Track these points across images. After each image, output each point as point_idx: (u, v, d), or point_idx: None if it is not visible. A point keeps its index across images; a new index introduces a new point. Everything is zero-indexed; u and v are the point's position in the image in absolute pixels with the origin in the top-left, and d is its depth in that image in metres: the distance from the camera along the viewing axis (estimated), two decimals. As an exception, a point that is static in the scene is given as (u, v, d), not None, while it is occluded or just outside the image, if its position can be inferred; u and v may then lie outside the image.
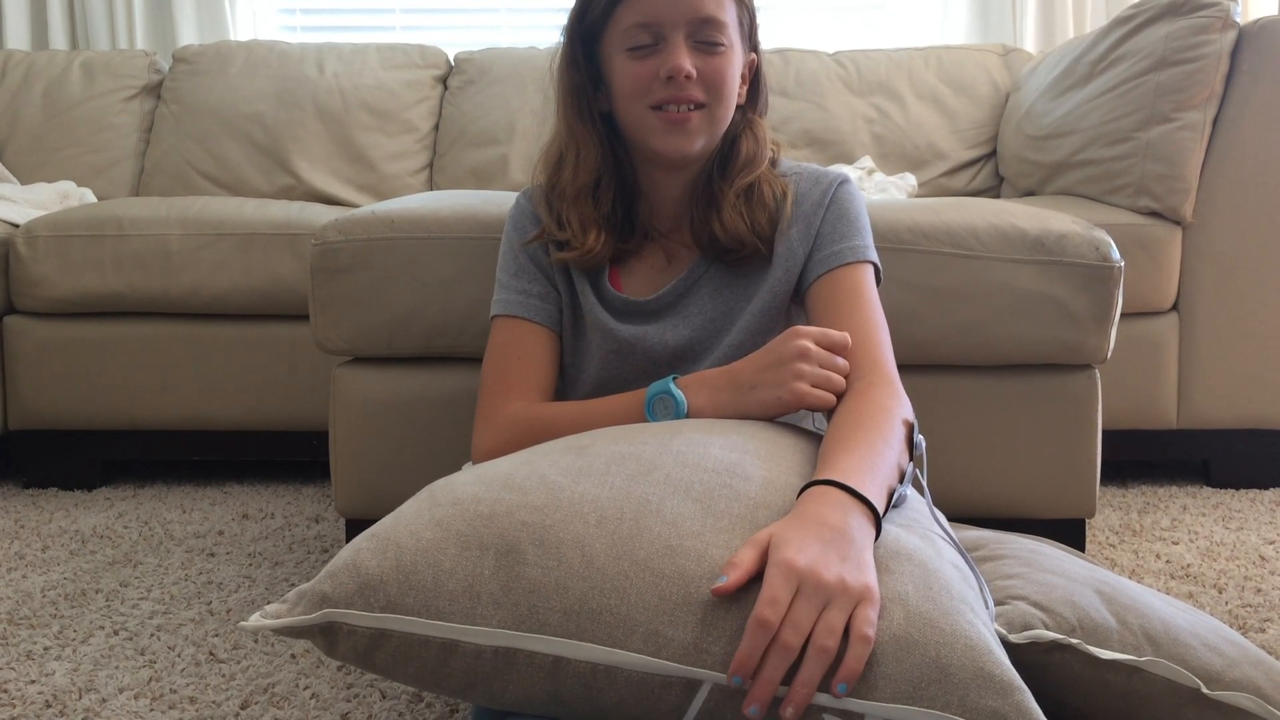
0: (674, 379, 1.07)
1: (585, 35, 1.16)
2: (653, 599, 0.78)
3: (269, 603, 1.47)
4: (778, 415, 1.05)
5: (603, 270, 1.19)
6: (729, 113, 1.15)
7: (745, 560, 0.77)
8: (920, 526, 0.92)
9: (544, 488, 0.87)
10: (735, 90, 1.15)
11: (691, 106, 1.11)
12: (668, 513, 0.84)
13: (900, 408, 1.00)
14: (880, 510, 0.84)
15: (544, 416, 1.11)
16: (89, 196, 2.55)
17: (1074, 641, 0.91)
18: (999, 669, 0.76)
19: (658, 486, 0.86)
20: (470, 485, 0.89)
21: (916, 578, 0.81)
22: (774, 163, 1.21)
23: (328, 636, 0.81)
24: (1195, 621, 1.05)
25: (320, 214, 2.14)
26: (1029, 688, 0.77)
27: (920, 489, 0.97)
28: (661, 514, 0.83)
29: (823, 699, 0.75)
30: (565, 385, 1.22)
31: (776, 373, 1.02)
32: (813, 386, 1.02)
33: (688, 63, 1.09)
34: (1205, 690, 0.97)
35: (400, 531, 0.84)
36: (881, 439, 0.93)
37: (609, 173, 1.17)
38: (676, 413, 1.05)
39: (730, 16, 1.13)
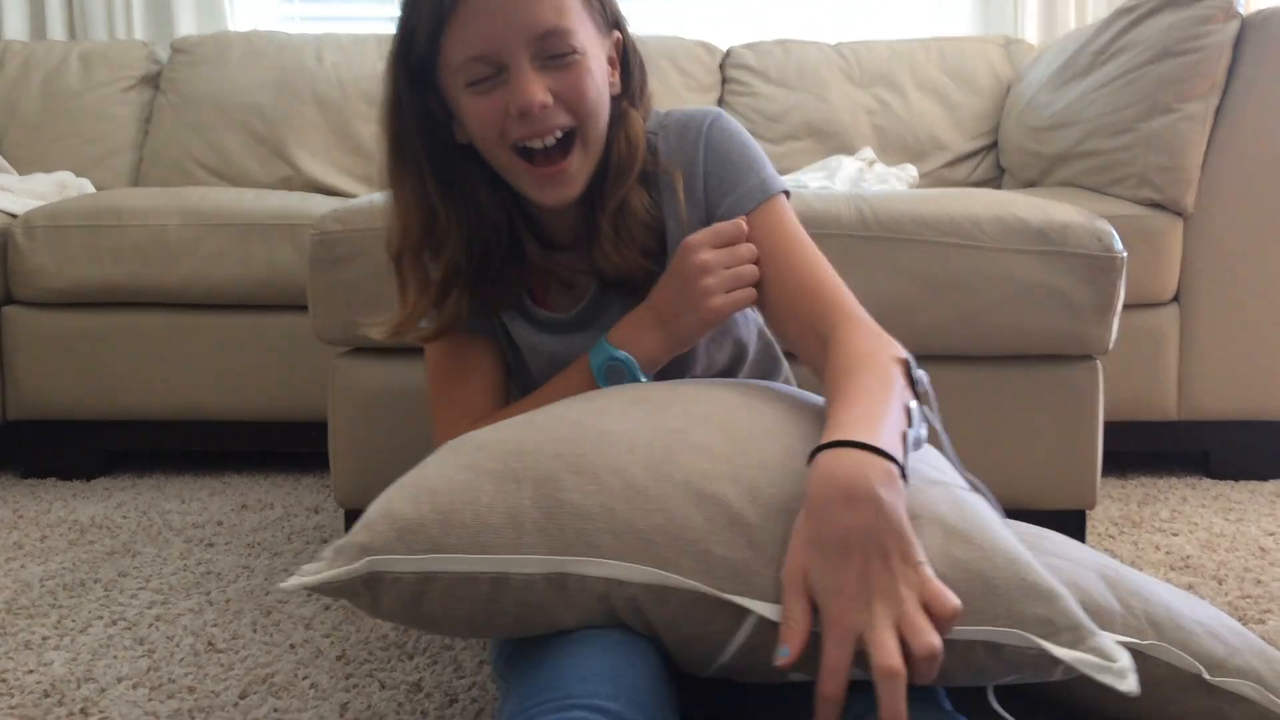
0: (606, 339, 1.03)
1: (418, 69, 0.99)
2: (698, 520, 0.78)
3: (268, 593, 1.47)
4: (707, 333, 1.03)
5: (521, 293, 1.09)
6: (604, 123, 1.00)
7: (798, 619, 0.73)
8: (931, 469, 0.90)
9: (567, 424, 0.86)
10: (605, 96, 1.00)
11: (558, 136, 0.96)
12: (695, 439, 0.83)
13: (883, 346, 0.90)
14: (900, 460, 0.77)
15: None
16: (87, 187, 2.54)
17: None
18: (1040, 577, 0.76)
19: (679, 420, 0.86)
20: (489, 433, 0.88)
21: (946, 499, 0.81)
22: (651, 149, 1.05)
23: (371, 589, 0.79)
24: (1198, 609, 1.05)
25: (319, 204, 2.13)
26: None
27: (934, 428, 0.89)
28: (689, 441, 0.83)
29: None
30: (519, 392, 1.15)
31: (688, 295, 0.99)
32: (727, 292, 0.99)
33: (539, 91, 0.94)
34: (1207, 676, 0.97)
35: (430, 477, 0.84)
36: (878, 383, 0.85)
37: (447, 221, 1.02)
38: (632, 375, 1.02)
39: (575, 15, 0.96)
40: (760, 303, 1.02)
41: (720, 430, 0.85)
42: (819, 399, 0.98)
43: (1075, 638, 0.75)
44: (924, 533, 0.78)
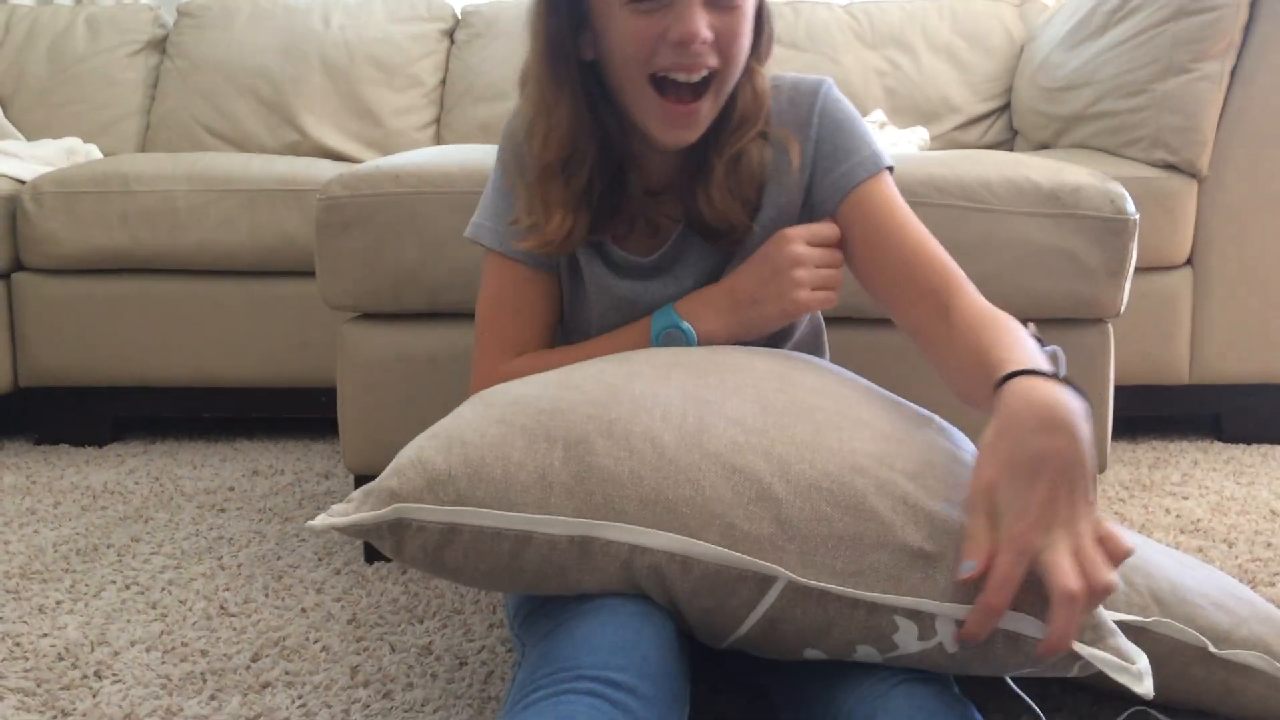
0: (673, 307, 1.04)
1: None
2: (726, 493, 0.78)
3: (279, 558, 1.48)
4: (784, 324, 1.05)
5: (616, 221, 1.08)
6: (739, 74, 1.00)
7: (983, 535, 0.73)
8: None
9: (601, 386, 0.86)
10: (747, 49, 0.99)
11: (703, 74, 0.95)
12: (729, 411, 0.83)
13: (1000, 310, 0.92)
14: (1085, 398, 0.77)
15: (541, 367, 1.02)
16: (95, 153, 2.54)
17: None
18: None
19: (713, 389, 0.86)
20: (524, 387, 0.88)
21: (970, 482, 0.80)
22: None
23: (396, 535, 0.81)
24: (1204, 579, 1.05)
25: (326, 169, 2.12)
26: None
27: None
28: (723, 412, 0.83)
29: (894, 599, 0.76)
30: (565, 331, 1.16)
31: (776, 284, 1.00)
32: (813, 290, 1.00)
33: (704, 25, 0.92)
34: (1213, 649, 0.97)
35: (463, 429, 0.84)
36: (1022, 335, 0.86)
37: (587, 141, 1.01)
38: (687, 344, 1.02)
39: None
40: (872, 272, 1.02)
41: (755, 403, 0.84)
42: (854, 375, 0.98)
43: (1096, 636, 0.75)
44: (953, 516, 0.78)
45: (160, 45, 2.80)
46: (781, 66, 1.10)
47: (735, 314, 1.03)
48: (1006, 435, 0.74)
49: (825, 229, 1.03)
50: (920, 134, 2.38)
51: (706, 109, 0.98)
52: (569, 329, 1.15)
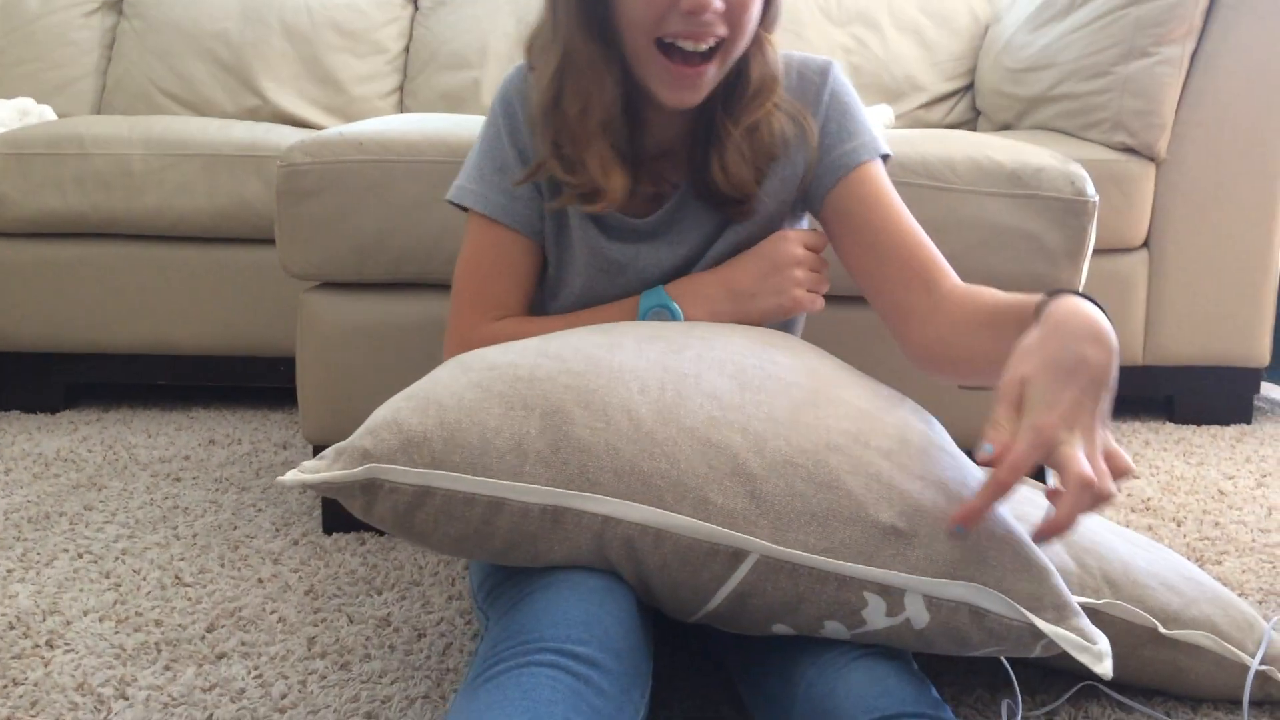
0: (664, 288, 1.05)
1: None
2: (701, 467, 0.79)
3: (236, 528, 1.47)
4: (776, 321, 1.06)
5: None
6: (746, 44, 0.99)
7: (1007, 421, 0.75)
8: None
9: (581, 356, 0.86)
10: (757, 19, 0.99)
11: (710, 44, 0.95)
12: (707, 386, 0.83)
13: None
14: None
15: (521, 333, 1.02)
16: (49, 114, 2.48)
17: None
18: (1033, 554, 0.78)
19: (692, 363, 0.86)
20: (503, 353, 0.88)
21: (950, 466, 0.82)
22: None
23: (367, 495, 0.80)
24: (1155, 560, 1.07)
25: (287, 135, 2.09)
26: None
27: None
28: (701, 387, 0.83)
29: (863, 572, 0.77)
30: (545, 295, 1.14)
31: (775, 280, 1.03)
32: (808, 291, 1.04)
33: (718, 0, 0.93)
34: (1162, 630, 0.99)
35: (440, 392, 0.84)
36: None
37: (615, 101, 1.00)
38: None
39: None
40: (862, 249, 1.04)
41: (732, 379, 0.85)
42: (827, 353, 0.99)
43: (1060, 616, 0.77)
44: (926, 494, 0.79)
45: (117, 5, 2.74)
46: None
47: (730, 305, 1.04)
48: (1053, 337, 0.77)
49: (817, 237, 1.07)
50: (885, 112, 2.38)
51: (712, 73, 0.98)
52: (551, 293, 1.14)
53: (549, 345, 0.89)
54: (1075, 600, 0.78)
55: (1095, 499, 0.71)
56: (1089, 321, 0.77)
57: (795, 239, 1.05)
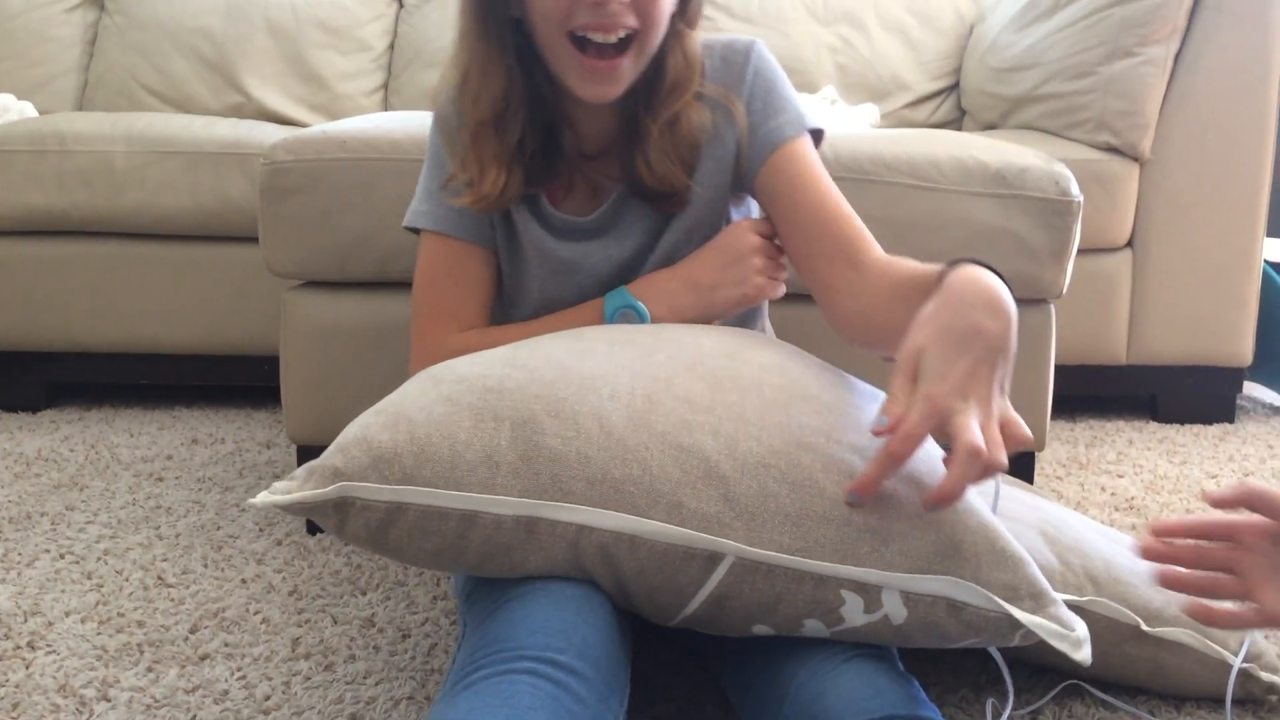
0: (626, 288, 1.05)
1: None
2: (674, 471, 0.78)
3: (219, 528, 1.46)
4: (740, 311, 1.07)
5: (552, 178, 1.08)
6: (661, 36, 1.00)
7: (902, 393, 0.76)
8: None
9: (550, 365, 0.86)
10: (668, 11, 0.99)
11: (620, 35, 0.95)
12: (678, 388, 0.83)
13: None
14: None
15: (487, 344, 1.02)
16: (30, 110, 2.46)
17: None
18: (1008, 545, 0.79)
19: (663, 367, 0.86)
20: (471, 365, 0.88)
21: (923, 459, 0.82)
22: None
23: (340, 513, 0.80)
24: (1136, 558, 1.07)
25: (270, 133, 2.08)
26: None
27: None
28: (672, 390, 0.83)
29: (839, 570, 0.77)
30: (504, 306, 1.15)
31: (736, 270, 1.04)
32: (767, 277, 1.05)
33: None
34: (1144, 627, 0.99)
35: (409, 406, 0.83)
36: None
37: (519, 98, 1.01)
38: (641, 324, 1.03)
39: None
40: (791, 226, 1.05)
41: (703, 380, 0.84)
42: (800, 351, 0.99)
43: (1037, 604, 0.77)
44: (900, 489, 0.79)
45: (99, 1, 2.72)
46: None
47: (693, 299, 1.04)
48: (947, 307, 0.78)
49: (768, 223, 1.07)
50: (871, 112, 2.38)
51: (627, 66, 0.98)
52: (510, 301, 1.14)
53: (518, 354, 0.88)
54: (1052, 589, 0.78)
55: (985, 468, 0.72)
56: (985, 290, 0.78)
57: (749, 228, 1.06)
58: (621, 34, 0.95)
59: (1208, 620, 0.70)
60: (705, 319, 1.05)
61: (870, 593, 0.77)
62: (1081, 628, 0.76)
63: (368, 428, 0.82)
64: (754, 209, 1.15)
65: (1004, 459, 0.73)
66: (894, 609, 0.78)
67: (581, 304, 1.07)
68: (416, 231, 1.11)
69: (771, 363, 0.90)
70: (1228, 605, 0.70)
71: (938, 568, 0.77)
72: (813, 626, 0.80)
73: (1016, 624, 0.77)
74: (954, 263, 0.83)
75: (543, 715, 0.68)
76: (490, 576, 0.84)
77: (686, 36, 1.04)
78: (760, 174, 1.06)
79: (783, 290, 1.08)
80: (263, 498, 0.80)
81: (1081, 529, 1.10)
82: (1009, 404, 0.77)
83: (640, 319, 1.03)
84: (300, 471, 0.82)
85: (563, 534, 0.78)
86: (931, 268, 0.87)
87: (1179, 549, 0.77)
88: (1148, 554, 0.80)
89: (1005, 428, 0.75)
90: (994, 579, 0.77)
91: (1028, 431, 0.76)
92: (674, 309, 1.04)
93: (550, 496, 0.78)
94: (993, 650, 0.86)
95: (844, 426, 0.83)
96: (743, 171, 1.08)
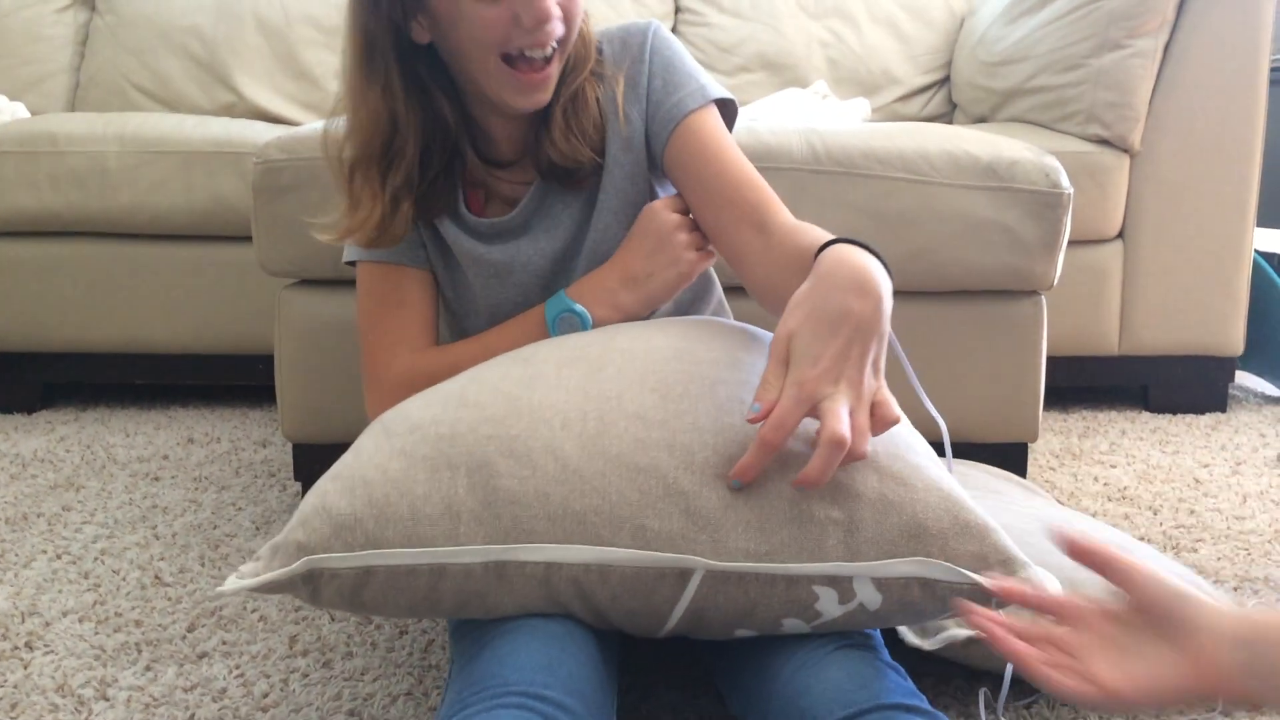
0: (565, 293, 1.05)
1: None
2: (633, 495, 0.79)
3: (216, 527, 1.46)
4: (679, 291, 1.06)
5: (456, 197, 1.08)
6: (577, 34, 1.02)
7: (775, 379, 0.77)
8: None
9: (500, 399, 0.86)
10: (583, 7, 1.02)
11: (554, 45, 0.97)
12: (629, 406, 0.83)
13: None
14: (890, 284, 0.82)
15: (439, 363, 1.04)
16: (21, 111, 2.46)
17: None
18: (973, 515, 0.79)
19: (612, 382, 0.86)
20: (424, 409, 0.88)
21: (880, 442, 0.82)
22: (598, 51, 1.08)
23: (310, 584, 0.80)
24: None
25: (263, 132, 2.08)
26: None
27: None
28: (623, 408, 0.83)
29: (808, 568, 0.77)
30: (455, 319, 1.15)
31: (665, 253, 1.04)
32: (696, 250, 1.05)
33: (554, 7, 0.95)
34: None
35: (364, 467, 0.83)
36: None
37: (413, 128, 1.01)
38: (583, 328, 1.03)
39: None
40: (699, 197, 1.05)
41: (654, 391, 0.84)
42: (755, 329, 0.99)
43: (1008, 570, 0.77)
44: (857, 477, 0.79)
45: (89, 1, 2.72)
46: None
47: (631, 292, 1.04)
48: (816, 290, 0.79)
49: (680, 200, 1.07)
50: (862, 106, 2.39)
51: (555, 71, 1.00)
52: (459, 314, 1.15)
53: (468, 391, 0.88)
54: (1020, 553, 0.79)
55: (848, 457, 0.74)
56: (854, 271, 0.79)
57: (664, 206, 1.05)
58: (554, 44, 0.97)
59: (1051, 690, 0.69)
60: (647, 308, 1.05)
61: (842, 584, 0.78)
62: (1054, 584, 0.77)
63: (325, 495, 0.82)
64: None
65: (866, 448, 0.74)
66: (868, 596, 0.78)
67: (524, 313, 1.07)
68: (353, 264, 1.12)
69: (723, 355, 0.90)
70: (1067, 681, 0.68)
71: (905, 550, 0.77)
72: (792, 625, 0.80)
73: (990, 592, 0.77)
74: (830, 243, 0.83)
75: None
76: (472, 618, 0.85)
77: (585, 17, 1.05)
78: (667, 149, 1.06)
79: (714, 258, 1.07)
80: (231, 582, 0.80)
81: (1043, 540, 1.09)
82: (884, 383, 0.78)
83: (582, 321, 1.03)
84: (264, 551, 0.82)
85: (532, 573, 0.79)
86: (814, 241, 0.87)
87: (1017, 624, 0.74)
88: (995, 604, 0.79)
89: (876, 409, 0.76)
90: (962, 551, 0.77)
91: (898, 413, 0.77)
92: (614, 306, 1.04)
93: (514, 539, 0.78)
94: (981, 704, 0.86)
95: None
96: (653, 151, 1.08)
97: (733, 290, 1.27)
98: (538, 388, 0.86)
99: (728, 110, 1.10)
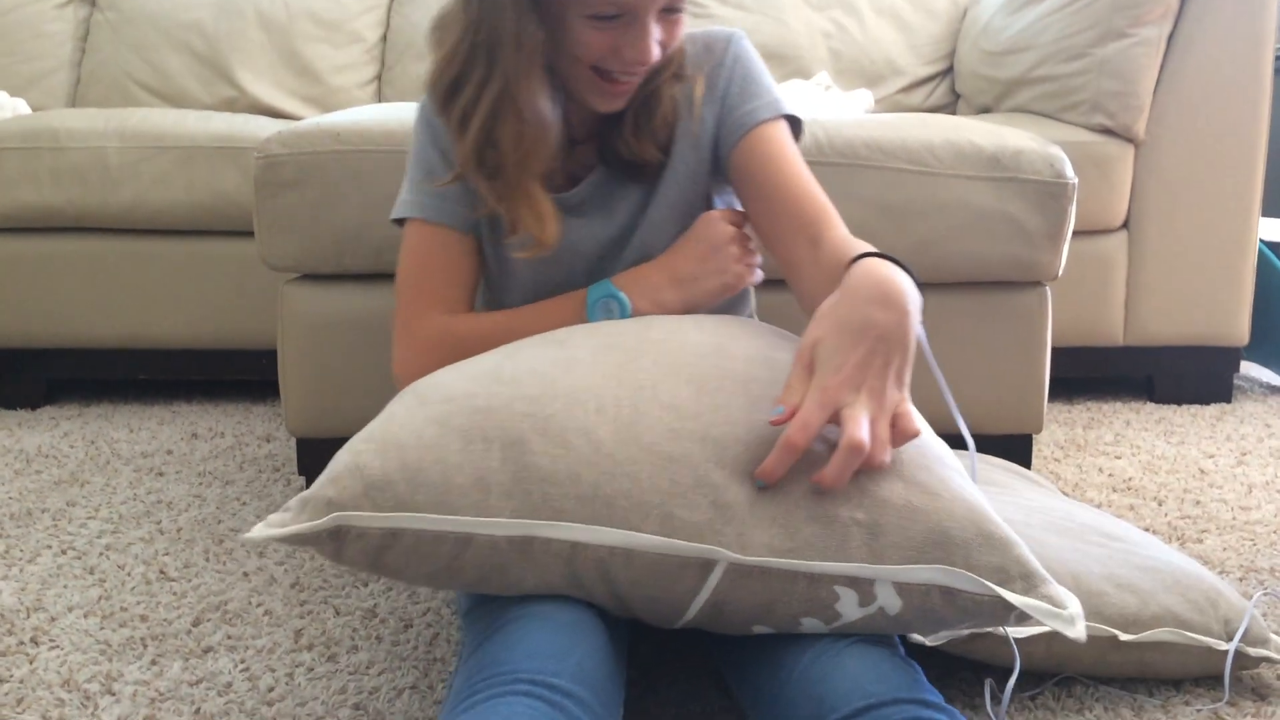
0: (610, 280, 1.06)
1: None
2: (664, 483, 0.79)
3: (220, 521, 1.46)
4: (721, 300, 1.08)
5: None
6: None
7: (799, 383, 0.79)
8: None
9: (536, 379, 0.86)
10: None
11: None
12: (664, 396, 0.83)
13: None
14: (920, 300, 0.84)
15: (473, 330, 1.06)
16: (22, 107, 2.46)
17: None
18: (996, 528, 0.79)
19: (648, 372, 0.86)
20: (459, 382, 0.88)
21: (908, 450, 0.82)
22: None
23: (336, 541, 0.80)
24: (1109, 558, 1.07)
25: (264, 127, 2.08)
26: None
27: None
28: (658, 398, 0.83)
29: (830, 568, 0.77)
30: (496, 291, 1.16)
31: (715, 260, 1.06)
32: (746, 264, 1.07)
33: (656, 48, 0.98)
34: (1123, 638, 0.99)
35: (398, 431, 0.83)
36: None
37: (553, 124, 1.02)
38: (622, 315, 1.04)
39: None
40: (759, 206, 1.07)
41: (689, 384, 0.84)
42: (786, 334, 0.99)
43: (1028, 585, 0.77)
44: (884, 483, 0.79)
45: (89, -4, 2.72)
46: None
47: (675, 292, 1.06)
48: (844, 301, 0.81)
49: (739, 213, 1.09)
50: (865, 97, 2.38)
51: (638, 81, 1.03)
52: (498, 286, 1.15)
53: (504, 368, 0.88)
54: (1042, 568, 0.78)
55: (866, 464, 0.75)
56: (880, 283, 0.81)
57: (722, 218, 1.07)
58: (646, 71, 1.01)
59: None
60: (688, 310, 1.06)
61: (864, 586, 0.78)
62: (1074, 604, 0.76)
63: (358, 455, 0.82)
64: (735, 203, 1.16)
65: (886, 457, 0.76)
66: (888, 600, 0.78)
67: (564, 295, 1.08)
68: (401, 223, 1.12)
69: (758, 354, 0.90)
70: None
71: (928, 557, 0.77)
72: (810, 624, 0.80)
73: (1009, 606, 0.77)
74: (860, 256, 0.85)
75: None
76: (489, 593, 0.84)
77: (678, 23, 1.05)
78: (734, 154, 1.08)
79: (760, 276, 1.09)
80: (258, 531, 0.80)
81: (1046, 539, 1.09)
82: (907, 396, 0.79)
83: (622, 309, 1.04)
84: (294, 503, 0.82)
85: (557, 552, 0.79)
86: (852, 255, 0.88)
87: None
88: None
89: (897, 420, 0.77)
90: (984, 563, 0.77)
91: (918, 428, 0.78)
92: (657, 301, 1.05)
93: (543, 516, 0.79)
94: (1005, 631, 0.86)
95: (827, 425, 0.83)
96: (719, 154, 1.10)
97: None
98: (574, 371, 0.86)
99: (796, 128, 1.12)
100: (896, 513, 0.78)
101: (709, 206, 1.13)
